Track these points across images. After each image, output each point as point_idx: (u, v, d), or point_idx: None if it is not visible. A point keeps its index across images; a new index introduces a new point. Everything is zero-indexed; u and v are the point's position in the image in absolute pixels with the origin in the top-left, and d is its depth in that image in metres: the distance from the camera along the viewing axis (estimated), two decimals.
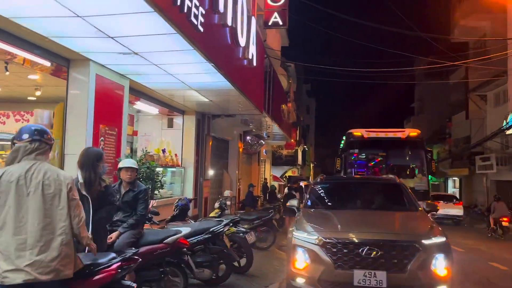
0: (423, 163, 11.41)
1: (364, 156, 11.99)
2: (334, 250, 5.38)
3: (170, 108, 11.03)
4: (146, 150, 7.50)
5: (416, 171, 11.79)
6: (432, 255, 5.29)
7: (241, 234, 7.37)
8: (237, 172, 15.49)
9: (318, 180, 7.57)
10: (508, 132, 21.16)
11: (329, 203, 7.06)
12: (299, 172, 30.54)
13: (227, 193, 12.70)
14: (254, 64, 9.85)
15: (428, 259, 5.27)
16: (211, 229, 6.21)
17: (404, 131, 11.76)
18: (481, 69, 26.70)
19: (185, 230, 5.50)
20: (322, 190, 7.41)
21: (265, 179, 21.79)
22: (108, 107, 7.32)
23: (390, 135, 11.62)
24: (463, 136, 29.04)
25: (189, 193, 11.35)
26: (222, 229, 6.24)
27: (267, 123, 15.87)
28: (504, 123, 21.37)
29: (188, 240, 6.01)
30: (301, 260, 5.58)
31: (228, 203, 12.25)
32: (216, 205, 9.80)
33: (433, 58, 28.60)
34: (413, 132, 11.65)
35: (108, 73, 7.20)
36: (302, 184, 34.28)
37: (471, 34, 28.35)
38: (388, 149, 11.46)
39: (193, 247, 6.17)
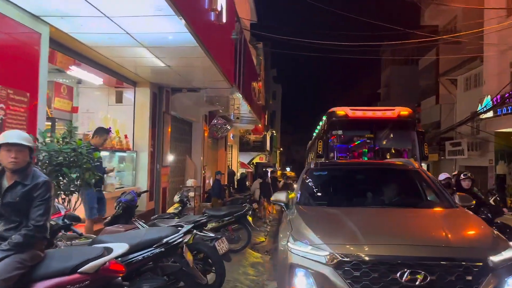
0: (415, 146, 9.56)
1: (349, 138, 10.02)
2: (357, 273, 3.35)
3: (119, 77, 8.60)
4: (71, 124, 5.13)
5: (408, 155, 9.96)
6: (503, 280, 3.36)
7: (209, 241, 5.22)
8: (202, 158, 13.23)
9: (312, 166, 5.49)
10: (483, 116, 19.97)
11: (331, 198, 5.00)
12: (267, 159, 28.54)
13: (190, 182, 10.47)
14: (224, 20, 7.60)
15: (499, 286, 3.33)
16: (164, 240, 4.00)
17: (394, 109, 9.85)
18: (452, 53, 25.59)
19: (119, 247, 3.28)
20: (319, 180, 5.34)
21: (229, 167, 19.42)
22: (13, 62, 4.90)
23: (378, 114, 9.67)
24: (432, 121, 27.95)
25: (143, 183, 9.03)
26: (180, 240, 4.06)
27: (236, 103, 13.67)
28: (480, 106, 20.16)
29: (129, 257, 3.81)
30: None
31: (192, 194, 10.03)
32: (176, 198, 7.60)
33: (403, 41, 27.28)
34: (404, 111, 9.76)
35: (12, 10, 4.77)
36: (269, 171, 32.48)
37: (441, 17, 27.16)
38: (376, 130, 9.52)
39: (138, 267, 3.97)
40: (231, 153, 20.28)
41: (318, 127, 12.68)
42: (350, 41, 15.87)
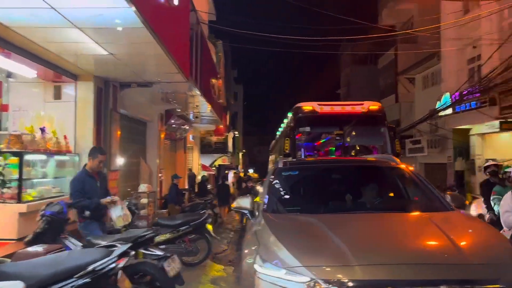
0: (387, 142, 8.93)
1: (316, 135, 9.25)
2: None
3: (57, 70, 7.38)
4: None
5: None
6: None
7: (157, 260, 4.20)
8: (158, 161, 12.08)
9: (281, 165, 4.58)
10: (442, 113, 19.95)
11: (304, 203, 4.12)
12: (230, 161, 27.53)
13: (143, 187, 9.35)
14: (175, 2, 6.62)
15: None
16: (90, 267, 2.98)
17: (363, 103, 9.21)
18: (410, 51, 25.68)
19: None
20: (289, 181, 4.46)
21: (189, 169, 18.20)
22: None
23: (348, 109, 8.97)
24: (392, 120, 27.97)
25: None
26: (112, 266, 3.05)
27: (195, 101, 12.63)
28: (439, 104, 20.13)
29: None
30: None
31: (145, 200, 8.93)
32: None
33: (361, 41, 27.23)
34: (374, 105, 9.13)
35: None
36: (231, 173, 31.50)
37: (399, 17, 27.29)
38: (345, 126, 8.80)
39: None
40: (192, 155, 19.15)
41: (283, 125, 11.88)
42: (309, 38, 15.20)
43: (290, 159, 8.39)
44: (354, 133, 8.76)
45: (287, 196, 4.25)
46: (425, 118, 20.84)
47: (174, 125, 13.86)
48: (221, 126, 22.21)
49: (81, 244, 4.47)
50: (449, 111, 19.44)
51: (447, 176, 22.55)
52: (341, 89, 39.72)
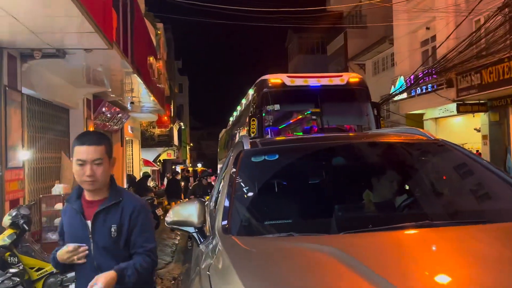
0: (371, 121, 7.32)
1: (286, 114, 7.49)
2: None
3: None
4: None
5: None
6: None
7: None
8: None
9: (246, 146, 2.63)
10: (397, 97, 19.06)
11: (298, 212, 2.24)
12: (176, 155, 25.14)
13: (58, 189, 7.07)
14: None
15: None
16: None
17: (341, 75, 7.59)
18: (360, 37, 24.84)
19: None
20: (264, 174, 2.54)
21: (128, 175, 14.63)
22: None
23: (324, 81, 7.27)
24: None
25: None
26: None
27: (132, 82, 10.38)
28: (393, 88, 19.22)
29: None
30: None
31: (60, 206, 6.68)
32: (6, 220, 4.33)
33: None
34: (354, 77, 7.54)
35: None
36: (179, 169, 29.08)
37: (346, 1, 26.32)
38: (321, 102, 7.07)
39: None
40: (131, 149, 16.72)
41: (239, 108, 9.99)
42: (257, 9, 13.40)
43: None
44: (332, 111, 7.09)
45: (264, 201, 2.35)
46: (381, 103, 19.91)
47: (105, 114, 11.50)
48: (165, 118, 19.93)
49: None
50: (404, 95, 18.60)
51: None
52: None
